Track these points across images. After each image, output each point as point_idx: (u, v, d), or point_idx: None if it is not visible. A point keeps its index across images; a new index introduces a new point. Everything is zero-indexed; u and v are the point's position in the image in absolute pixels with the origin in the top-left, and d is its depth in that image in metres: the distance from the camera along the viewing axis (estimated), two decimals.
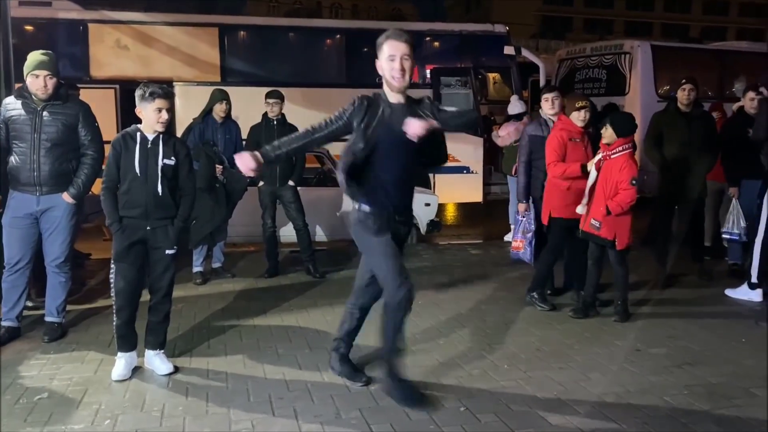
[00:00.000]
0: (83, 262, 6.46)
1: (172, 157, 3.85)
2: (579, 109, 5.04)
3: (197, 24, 10.70)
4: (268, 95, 6.24)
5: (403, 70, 3.30)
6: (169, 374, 3.86)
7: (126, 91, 9.82)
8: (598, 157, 4.88)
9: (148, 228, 3.82)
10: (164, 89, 3.83)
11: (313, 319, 4.99)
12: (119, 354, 3.89)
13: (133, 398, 3.58)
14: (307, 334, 4.62)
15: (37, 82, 4.28)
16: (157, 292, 3.95)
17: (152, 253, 3.89)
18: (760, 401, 3.56)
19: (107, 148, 3.93)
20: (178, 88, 9.99)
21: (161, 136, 3.85)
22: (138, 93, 3.79)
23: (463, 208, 11.93)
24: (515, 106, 8.48)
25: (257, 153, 3.29)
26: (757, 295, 5.46)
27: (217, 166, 5.86)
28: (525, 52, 11.79)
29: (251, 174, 3.31)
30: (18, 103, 4.34)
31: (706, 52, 13.37)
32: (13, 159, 4.36)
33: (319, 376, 3.85)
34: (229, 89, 6.47)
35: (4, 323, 4.42)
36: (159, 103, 3.73)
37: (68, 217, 4.47)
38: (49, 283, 4.54)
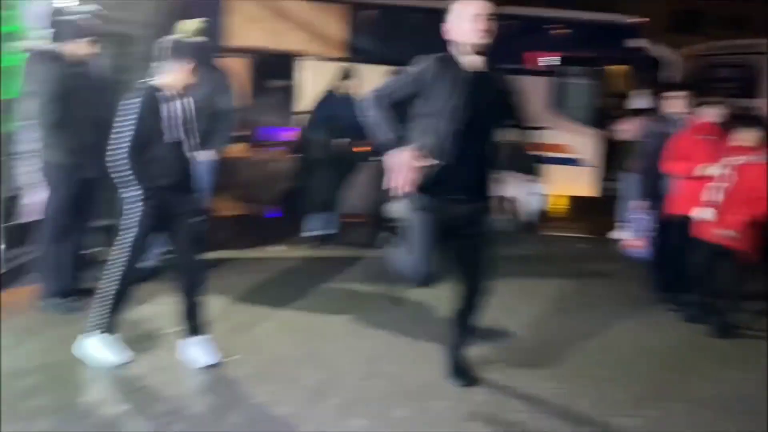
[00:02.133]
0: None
1: None
2: (709, 105, 4.89)
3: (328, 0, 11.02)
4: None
5: (489, 30, 3.07)
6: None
7: (258, 60, 10.38)
8: (732, 160, 4.65)
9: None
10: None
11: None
12: (105, 336, 3.48)
13: (252, 340, 3.91)
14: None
15: None
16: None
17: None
18: None
19: None
20: (305, 62, 10.40)
21: None
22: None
23: (575, 201, 11.72)
24: (640, 101, 8.21)
25: (390, 147, 3.08)
26: None
27: (336, 141, 6.14)
28: (652, 47, 11.33)
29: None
30: None
31: None
32: None
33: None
34: (355, 66, 6.69)
35: (146, 264, 4.87)
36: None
37: (206, 174, 4.82)
38: None
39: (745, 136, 4.61)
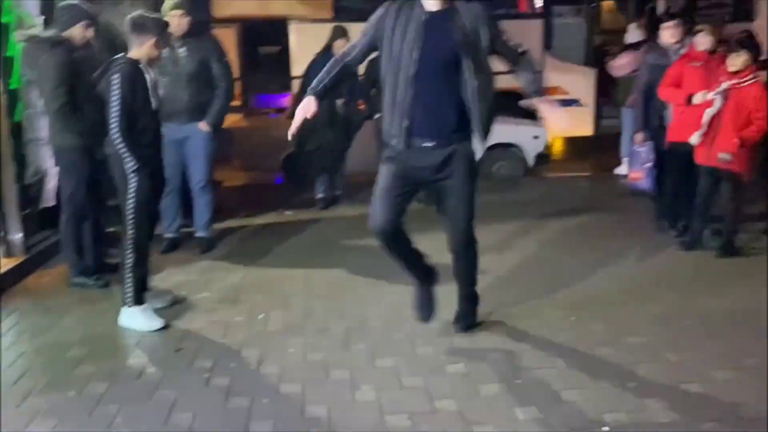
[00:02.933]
0: (217, 190, 7.11)
1: None
2: (697, 32, 4.99)
3: None
4: None
5: None
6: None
7: (245, 29, 10.37)
8: (725, 86, 4.75)
9: None
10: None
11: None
12: (140, 306, 3.70)
13: (278, 299, 4.13)
14: None
15: (172, 21, 4.71)
16: None
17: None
18: None
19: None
20: (294, 26, 10.37)
21: None
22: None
23: (573, 142, 11.79)
24: (633, 35, 8.21)
25: (310, 97, 3.18)
26: None
27: (337, 100, 6.22)
28: None
29: (309, 117, 3.15)
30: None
31: None
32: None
33: None
34: (346, 26, 6.73)
35: (166, 236, 5.07)
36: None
37: (206, 144, 4.97)
38: (195, 204, 5.14)
39: (734, 61, 4.71)
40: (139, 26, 3.67)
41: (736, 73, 4.69)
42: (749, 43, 4.76)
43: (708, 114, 4.77)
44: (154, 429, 2.74)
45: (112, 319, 3.79)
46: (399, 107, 3.10)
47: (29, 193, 4.98)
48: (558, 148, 11.83)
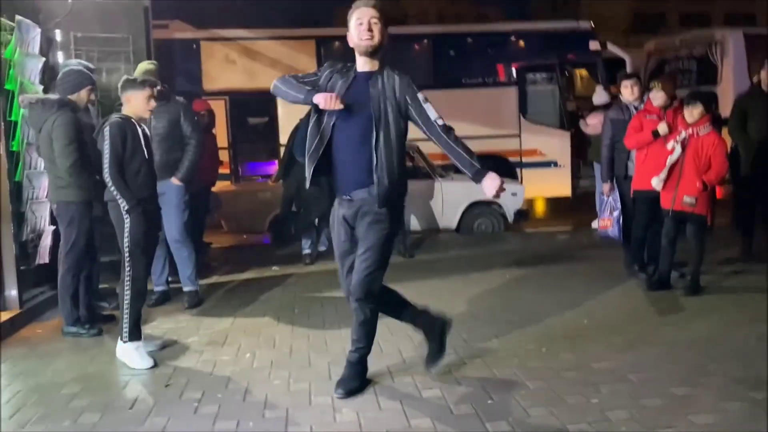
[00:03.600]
0: (207, 250, 7.34)
1: None
2: (651, 89, 5.42)
3: (296, 37, 11.58)
4: None
5: (371, 30, 3.22)
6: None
7: (234, 101, 10.87)
8: (684, 135, 5.11)
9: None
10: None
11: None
12: (135, 344, 3.91)
13: (264, 340, 4.32)
14: None
15: None
16: None
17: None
18: None
19: None
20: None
21: None
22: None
23: (552, 202, 12.20)
24: (600, 96, 8.71)
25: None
26: None
27: None
28: (611, 47, 11.91)
29: (340, 106, 3.19)
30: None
31: None
32: None
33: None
34: None
35: (156, 289, 5.27)
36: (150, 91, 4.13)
37: (178, 199, 5.22)
38: (176, 259, 5.32)
39: (691, 112, 5.12)
40: (129, 85, 4.11)
41: (694, 123, 5.08)
42: (702, 97, 5.18)
43: (670, 160, 5.13)
44: None
45: (104, 360, 3.97)
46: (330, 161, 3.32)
47: (26, 250, 5.19)
48: (538, 207, 12.23)
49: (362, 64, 3.33)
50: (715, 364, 3.60)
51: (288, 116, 9.43)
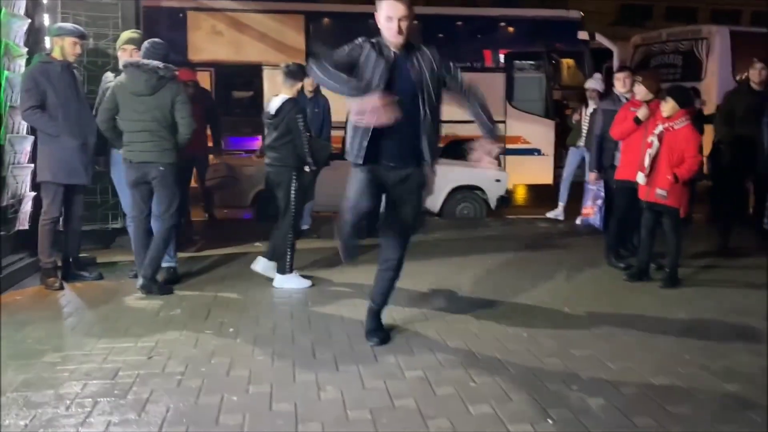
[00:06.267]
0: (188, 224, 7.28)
1: None
2: (638, 84, 5.48)
3: (285, 11, 11.44)
4: None
5: (400, 31, 3.43)
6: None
7: (220, 73, 10.73)
8: (660, 128, 5.19)
9: None
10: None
11: None
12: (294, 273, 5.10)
13: (248, 317, 4.31)
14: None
15: (125, 55, 5.03)
16: None
17: None
18: None
19: None
20: (267, 71, 10.78)
21: None
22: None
23: (534, 189, 12.30)
24: (594, 83, 8.60)
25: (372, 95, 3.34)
26: None
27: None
28: (599, 38, 11.96)
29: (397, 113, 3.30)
30: (111, 75, 5.15)
31: None
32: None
33: None
34: None
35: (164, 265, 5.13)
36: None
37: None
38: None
39: (664, 107, 5.17)
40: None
41: (669, 117, 5.14)
42: (676, 92, 5.23)
43: (649, 155, 5.19)
44: (129, 418, 2.88)
45: (84, 330, 3.98)
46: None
47: (5, 216, 5.11)
48: (520, 194, 12.31)
49: (394, 45, 3.51)
50: (692, 355, 3.69)
51: (274, 91, 9.33)
